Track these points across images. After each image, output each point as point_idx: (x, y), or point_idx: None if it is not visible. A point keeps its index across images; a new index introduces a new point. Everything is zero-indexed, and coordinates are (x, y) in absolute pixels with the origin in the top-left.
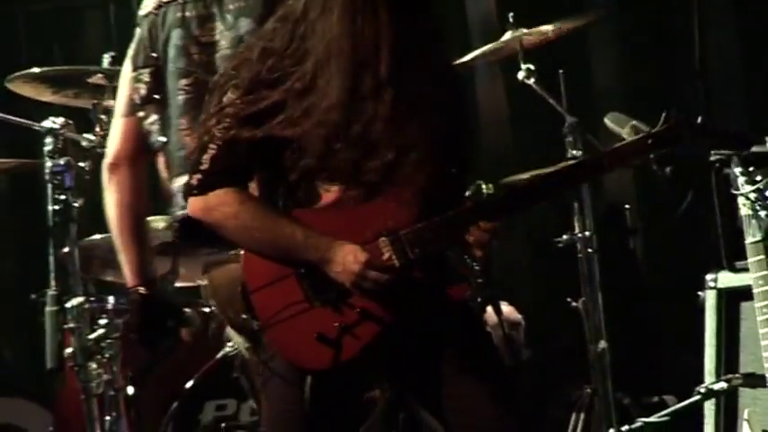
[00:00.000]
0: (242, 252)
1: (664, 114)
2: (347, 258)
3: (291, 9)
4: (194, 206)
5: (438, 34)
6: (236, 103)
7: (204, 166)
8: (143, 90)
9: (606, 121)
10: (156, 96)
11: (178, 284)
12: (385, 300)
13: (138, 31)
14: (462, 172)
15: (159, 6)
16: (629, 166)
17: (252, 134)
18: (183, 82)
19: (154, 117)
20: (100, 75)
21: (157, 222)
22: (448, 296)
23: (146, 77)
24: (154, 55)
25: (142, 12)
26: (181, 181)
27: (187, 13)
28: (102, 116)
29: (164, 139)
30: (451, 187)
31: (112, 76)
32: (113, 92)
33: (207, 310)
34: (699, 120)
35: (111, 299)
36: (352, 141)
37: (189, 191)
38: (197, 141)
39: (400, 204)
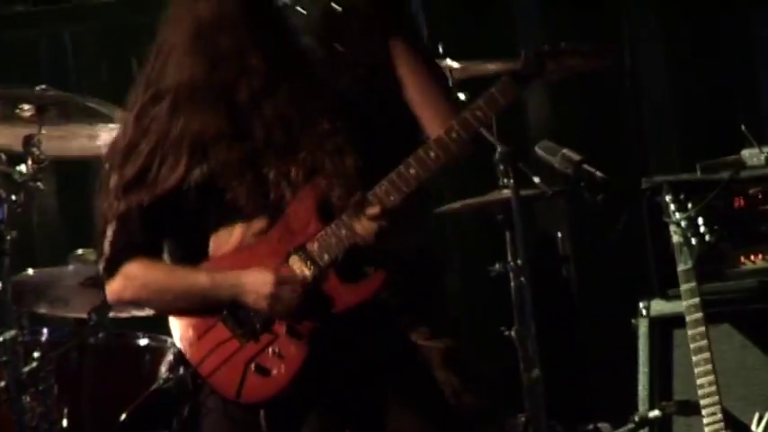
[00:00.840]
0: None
1: (522, 52)
2: (256, 283)
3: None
4: (109, 292)
5: (301, 51)
6: (118, 179)
7: (106, 252)
8: None
9: (537, 149)
10: None
11: (111, 316)
12: (307, 313)
13: None
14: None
15: None
16: (500, 112)
17: (139, 200)
18: None
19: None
20: (31, 108)
21: (89, 254)
22: (368, 299)
23: None
24: None
25: None
26: None
27: None
28: (34, 149)
29: None
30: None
31: (44, 108)
32: (44, 124)
33: (140, 343)
34: (551, 46)
35: (44, 332)
36: (236, 168)
37: (102, 279)
38: (99, 230)
39: (302, 221)
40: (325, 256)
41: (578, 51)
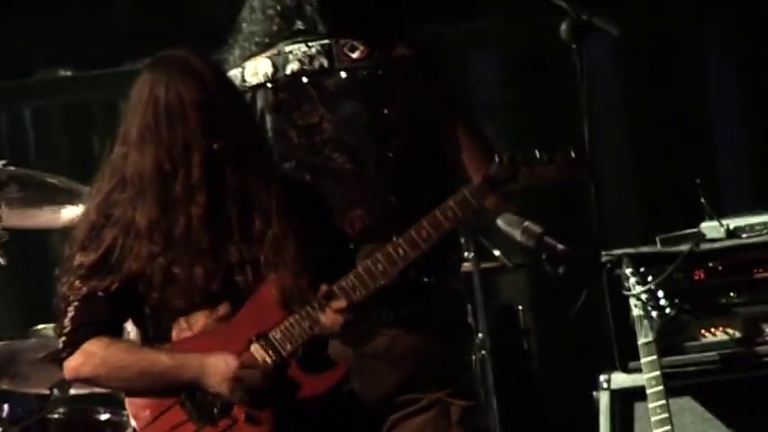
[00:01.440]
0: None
1: (496, 156)
2: (218, 366)
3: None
4: (68, 369)
5: (248, 114)
6: (80, 263)
7: (66, 328)
8: None
9: (498, 222)
10: None
11: (73, 392)
12: (268, 402)
13: None
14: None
15: (245, 92)
16: (470, 217)
17: (103, 284)
18: (285, 165)
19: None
20: None
21: (50, 330)
22: (327, 390)
23: None
24: None
25: None
26: None
27: (281, 96)
28: None
29: None
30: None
31: (3, 185)
32: (5, 200)
33: (101, 418)
34: (526, 153)
35: (5, 407)
36: (177, 266)
37: (60, 356)
38: (59, 312)
39: (264, 310)
40: (288, 346)
41: (553, 161)
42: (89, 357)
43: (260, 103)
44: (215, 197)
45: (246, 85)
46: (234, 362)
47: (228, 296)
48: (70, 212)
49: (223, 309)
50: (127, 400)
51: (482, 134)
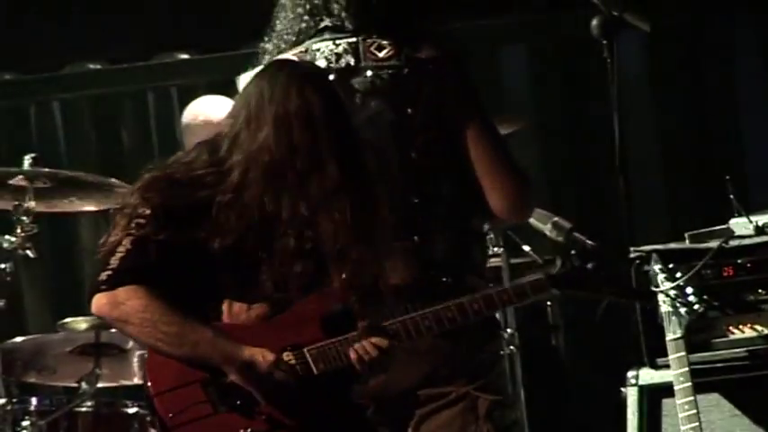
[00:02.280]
0: (148, 355)
1: (560, 260)
2: (255, 358)
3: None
4: (100, 302)
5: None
6: (149, 205)
7: (113, 265)
8: None
9: None
10: None
11: (101, 384)
12: (291, 408)
13: None
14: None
15: None
16: (524, 304)
17: (165, 237)
18: None
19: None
20: (21, 176)
21: (79, 323)
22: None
23: None
24: None
25: None
26: None
27: None
28: (24, 217)
29: None
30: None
31: (33, 177)
32: (35, 194)
33: (129, 411)
34: (592, 267)
35: (33, 400)
36: (297, 255)
37: (97, 287)
38: (107, 243)
39: (304, 322)
40: (320, 365)
41: (618, 287)
42: (131, 299)
43: None
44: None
45: None
46: (272, 357)
47: (272, 299)
48: (99, 203)
49: (261, 308)
50: (149, 357)
51: (503, 145)
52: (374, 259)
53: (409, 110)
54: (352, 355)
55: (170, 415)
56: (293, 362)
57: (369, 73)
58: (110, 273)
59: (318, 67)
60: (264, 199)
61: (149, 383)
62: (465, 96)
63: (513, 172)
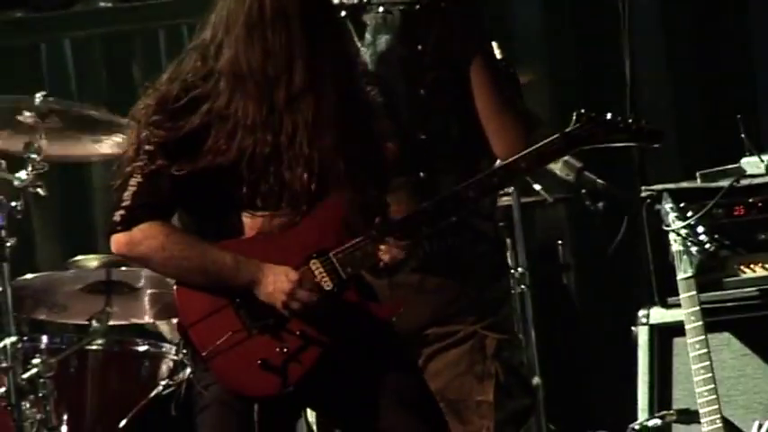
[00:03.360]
0: (175, 289)
1: (575, 114)
2: (278, 278)
3: (202, 35)
4: (118, 242)
5: (351, 58)
6: (154, 136)
7: (126, 203)
8: None
9: None
10: None
11: (112, 323)
12: (322, 321)
13: None
14: (380, 191)
15: None
16: (546, 172)
17: (177, 166)
18: None
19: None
20: (31, 114)
21: (89, 261)
22: (380, 318)
23: None
24: None
25: None
26: None
27: None
28: (34, 155)
29: None
30: (372, 205)
31: (44, 114)
32: (45, 131)
33: (140, 349)
34: (608, 116)
35: (44, 338)
36: (273, 165)
37: (113, 227)
38: (119, 177)
39: (325, 226)
40: (348, 269)
41: (628, 129)
42: (149, 238)
43: None
44: (314, 107)
45: None
46: (294, 276)
47: (290, 206)
48: (110, 144)
49: (283, 217)
50: (177, 290)
51: (508, 88)
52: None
53: (419, 47)
54: (384, 259)
55: (205, 345)
56: (320, 269)
57: (380, 9)
58: (123, 212)
59: None
60: (247, 108)
61: (181, 316)
62: (473, 36)
63: (516, 115)
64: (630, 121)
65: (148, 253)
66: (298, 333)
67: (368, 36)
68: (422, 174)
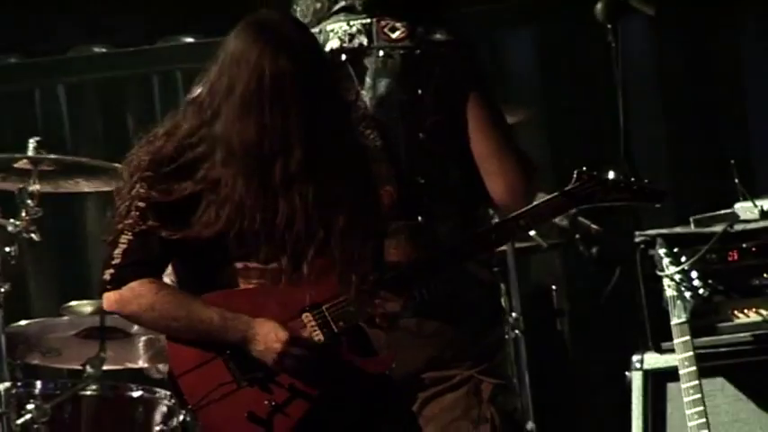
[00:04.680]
0: (167, 338)
1: (576, 172)
2: (268, 337)
3: (200, 92)
4: (110, 300)
5: (346, 112)
6: (145, 195)
7: (117, 260)
8: None
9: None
10: None
11: (106, 368)
12: (312, 375)
13: None
14: (378, 242)
15: None
16: (544, 225)
17: (168, 232)
18: None
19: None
20: (26, 160)
21: (83, 307)
22: (373, 370)
23: None
24: None
25: None
26: None
27: None
28: (29, 201)
29: None
30: (368, 258)
31: (38, 161)
32: (39, 177)
33: (134, 395)
34: (610, 175)
35: (38, 383)
36: (265, 242)
37: (103, 286)
38: (110, 232)
39: (319, 280)
40: (340, 323)
41: (629, 190)
42: (137, 298)
43: None
44: (313, 182)
45: None
46: (285, 335)
47: (283, 260)
48: (104, 185)
49: (275, 270)
50: (168, 343)
51: (507, 131)
52: (342, 246)
53: (419, 91)
54: (377, 315)
55: (194, 396)
56: (312, 323)
57: (381, 53)
58: (113, 271)
59: (300, 28)
60: (236, 183)
61: (171, 365)
62: (473, 81)
63: (516, 158)
64: (632, 180)
65: (138, 311)
66: (287, 386)
67: (368, 80)
68: (420, 218)
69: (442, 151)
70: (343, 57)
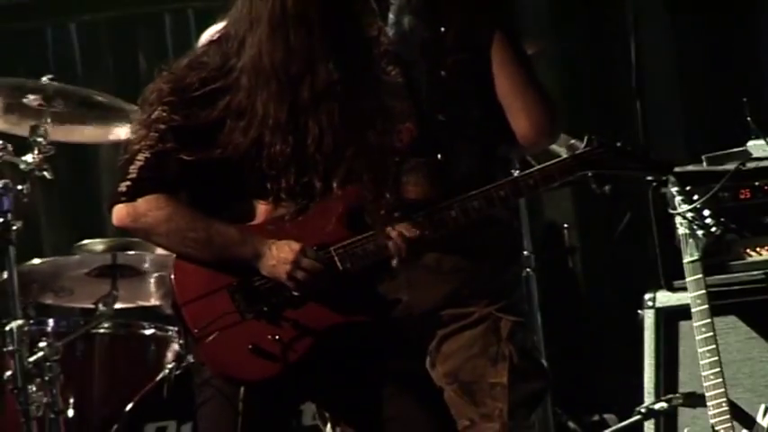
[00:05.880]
0: (173, 266)
1: (586, 138)
2: (282, 249)
3: (224, 29)
4: (121, 213)
5: (368, 46)
6: (167, 118)
7: (132, 175)
8: None
9: None
10: None
11: (118, 306)
12: (317, 310)
13: None
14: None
15: None
16: (554, 187)
17: (186, 154)
18: None
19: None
20: (37, 97)
21: (96, 245)
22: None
23: None
24: None
25: None
26: None
27: None
28: (40, 139)
29: None
30: (378, 199)
31: (50, 97)
32: (51, 115)
33: (146, 333)
34: (619, 144)
35: (50, 322)
36: (289, 160)
37: (117, 198)
38: (126, 153)
39: (328, 220)
40: (348, 264)
41: (639, 158)
42: (154, 209)
43: None
44: (339, 101)
45: None
46: (297, 246)
47: (295, 201)
48: (116, 130)
49: (285, 209)
50: (175, 268)
51: (531, 69)
52: (369, 165)
53: (442, 29)
54: (385, 239)
55: (197, 325)
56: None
57: None
58: (129, 183)
59: None
60: (268, 107)
61: (176, 293)
62: (495, 14)
63: (542, 92)
64: (640, 151)
65: (153, 224)
66: (291, 322)
67: (391, 16)
68: (440, 155)
69: (464, 90)
70: None
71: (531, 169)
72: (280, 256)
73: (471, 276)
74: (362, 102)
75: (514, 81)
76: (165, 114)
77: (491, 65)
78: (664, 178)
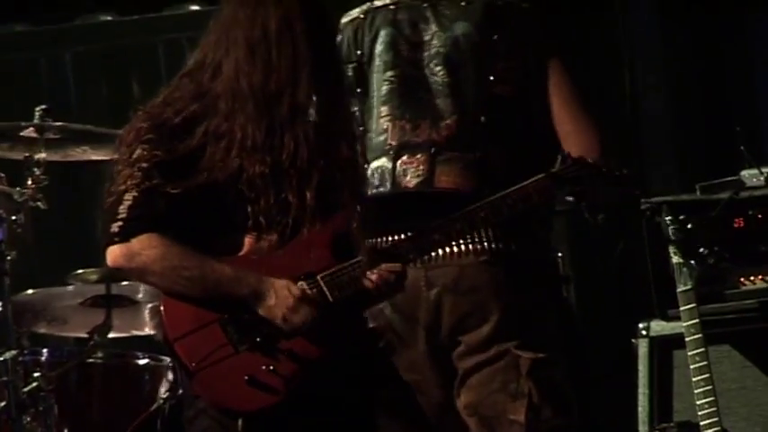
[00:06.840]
0: (161, 302)
1: (560, 156)
2: (281, 291)
3: (195, 59)
4: (115, 254)
5: (337, 59)
6: (149, 156)
7: (123, 215)
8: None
9: None
10: (358, 90)
11: (112, 335)
12: (310, 340)
13: (339, 36)
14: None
15: (368, 12)
16: (531, 206)
17: (172, 186)
18: (389, 74)
19: (354, 108)
20: (32, 128)
21: (89, 275)
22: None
23: (349, 72)
24: (358, 53)
25: (346, 19)
26: (377, 164)
27: (399, 16)
28: (35, 169)
29: (362, 128)
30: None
31: (44, 129)
32: (46, 146)
33: (140, 362)
34: (590, 160)
35: (45, 351)
36: (268, 180)
37: (110, 239)
38: (112, 194)
39: (314, 248)
40: (336, 293)
41: (611, 174)
42: (148, 249)
43: (378, 21)
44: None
45: (372, 6)
46: (297, 291)
47: (278, 228)
48: (111, 154)
49: (270, 239)
50: (164, 304)
51: (580, 91)
52: (343, 179)
53: (495, 36)
54: (367, 283)
55: (193, 359)
56: (309, 292)
57: (462, 3)
58: (121, 223)
59: None
60: (246, 129)
61: (167, 329)
62: (554, 47)
63: (592, 119)
64: (612, 167)
65: (147, 263)
66: (286, 352)
67: (446, 22)
68: (475, 154)
69: (510, 98)
70: (425, 4)
71: (509, 189)
72: (279, 298)
73: (485, 299)
74: (336, 113)
75: (570, 105)
76: (146, 153)
77: (537, 79)
78: (642, 198)
